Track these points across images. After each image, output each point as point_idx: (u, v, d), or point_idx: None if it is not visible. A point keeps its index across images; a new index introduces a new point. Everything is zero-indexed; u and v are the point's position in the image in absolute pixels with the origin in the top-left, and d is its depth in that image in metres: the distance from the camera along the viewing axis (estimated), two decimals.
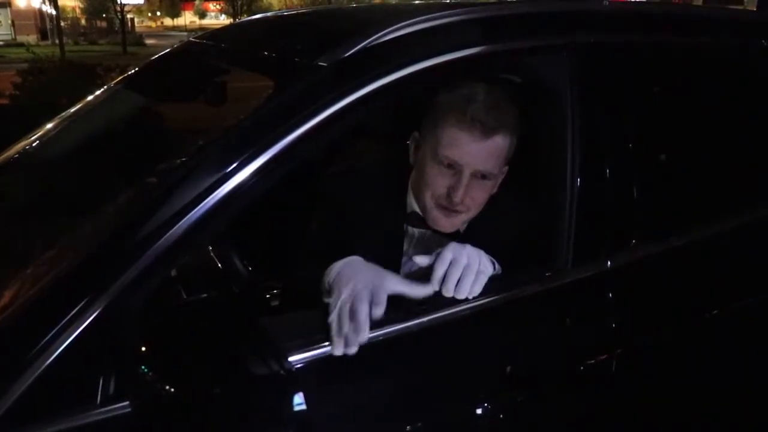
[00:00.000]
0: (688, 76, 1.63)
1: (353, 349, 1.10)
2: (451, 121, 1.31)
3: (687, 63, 1.62)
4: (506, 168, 1.40)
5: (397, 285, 1.19)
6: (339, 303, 1.13)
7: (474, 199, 1.35)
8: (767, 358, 1.67)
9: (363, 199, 1.44)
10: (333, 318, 1.12)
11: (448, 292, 1.22)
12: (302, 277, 1.33)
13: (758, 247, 1.68)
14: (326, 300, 1.18)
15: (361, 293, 1.13)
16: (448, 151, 1.31)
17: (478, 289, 1.24)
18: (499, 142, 1.32)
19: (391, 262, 1.31)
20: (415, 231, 1.44)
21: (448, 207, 1.35)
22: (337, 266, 1.22)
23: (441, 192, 1.34)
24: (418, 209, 1.43)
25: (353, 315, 1.11)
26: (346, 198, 1.45)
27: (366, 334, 1.11)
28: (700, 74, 1.65)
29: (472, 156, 1.31)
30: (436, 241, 1.40)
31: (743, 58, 1.75)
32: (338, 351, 1.11)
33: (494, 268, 1.29)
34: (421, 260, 1.28)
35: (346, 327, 1.11)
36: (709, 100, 1.68)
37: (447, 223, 1.38)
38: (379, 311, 1.13)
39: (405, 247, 1.46)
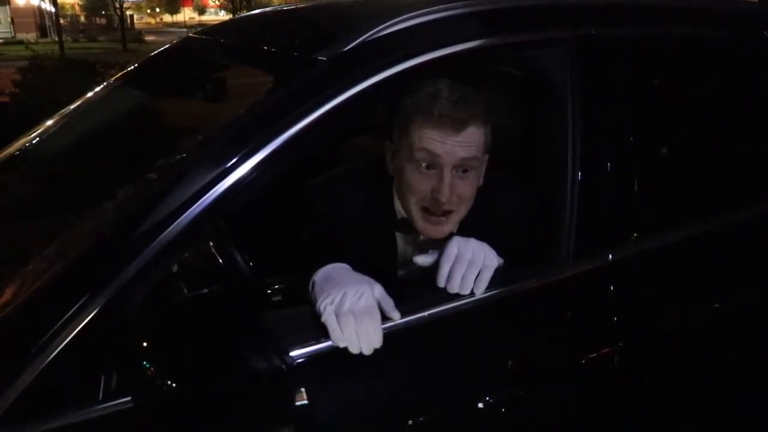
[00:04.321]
0: (689, 69, 1.62)
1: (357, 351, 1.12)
2: (420, 121, 1.28)
3: (688, 55, 1.62)
4: (486, 157, 1.36)
5: (378, 294, 1.18)
6: (334, 304, 1.13)
7: (461, 195, 1.31)
8: None
9: (350, 209, 1.41)
10: (328, 316, 1.12)
11: (453, 289, 1.22)
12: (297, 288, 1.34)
13: (759, 240, 1.68)
14: (314, 302, 1.17)
15: (357, 300, 1.13)
16: (423, 152, 1.27)
17: (483, 285, 1.24)
18: (473, 132, 1.28)
19: (386, 272, 1.29)
20: (408, 236, 1.42)
21: (435, 212, 1.30)
22: (325, 270, 1.22)
23: (425, 195, 1.30)
24: (406, 215, 1.38)
25: (362, 326, 1.11)
26: (332, 209, 1.42)
27: (379, 341, 1.12)
28: (701, 67, 1.65)
29: (449, 151, 1.27)
30: (429, 243, 1.39)
31: (745, 50, 1.74)
32: (355, 351, 1.12)
33: (499, 262, 1.28)
34: (423, 260, 1.28)
35: (350, 331, 1.11)
36: (711, 93, 1.67)
37: (437, 232, 1.34)
38: (376, 322, 1.13)
39: (399, 253, 1.45)
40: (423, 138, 1.27)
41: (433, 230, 1.33)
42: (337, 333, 1.11)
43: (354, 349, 1.11)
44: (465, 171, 1.30)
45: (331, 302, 1.13)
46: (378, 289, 1.17)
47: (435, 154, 1.27)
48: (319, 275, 1.21)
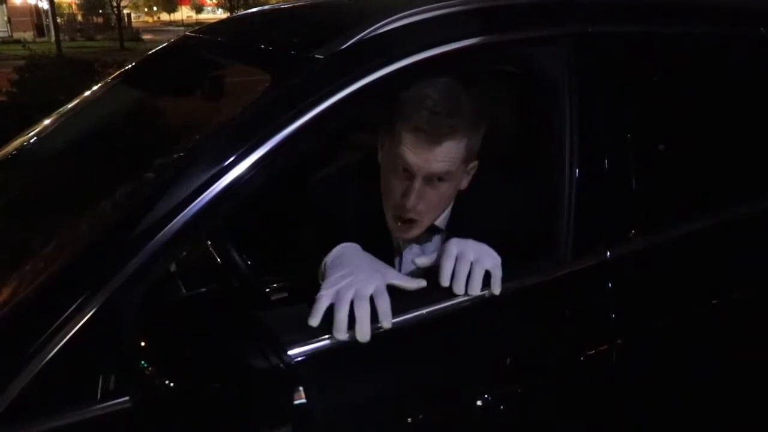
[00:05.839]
0: (687, 66, 1.62)
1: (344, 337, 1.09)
2: (400, 127, 1.27)
3: (686, 52, 1.62)
4: (475, 164, 1.36)
5: (394, 278, 1.18)
6: (338, 286, 1.11)
7: (429, 204, 1.31)
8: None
9: (346, 199, 1.42)
10: (324, 296, 1.10)
11: (460, 290, 1.21)
12: (296, 279, 1.33)
13: (758, 238, 1.68)
14: (321, 280, 1.16)
15: (364, 288, 1.11)
16: (400, 156, 1.27)
17: (498, 285, 1.22)
18: (450, 146, 1.26)
19: (381, 260, 1.30)
20: None
21: (402, 215, 1.31)
22: (337, 250, 1.21)
23: (396, 196, 1.31)
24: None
25: (359, 311, 1.09)
26: (331, 202, 1.43)
27: (369, 332, 1.10)
28: (699, 64, 1.65)
29: (420, 164, 1.26)
30: (423, 237, 1.40)
31: (743, 47, 1.74)
32: (341, 336, 1.08)
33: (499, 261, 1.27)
34: (422, 261, 1.27)
35: (343, 313, 1.08)
36: (709, 90, 1.67)
37: (405, 233, 1.36)
38: (386, 306, 1.11)
39: (394, 244, 1.45)
40: (400, 144, 1.27)
41: (399, 232, 1.36)
42: (318, 315, 1.08)
43: (339, 334, 1.08)
44: (440, 180, 1.30)
45: (335, 282, 1.11)
46: (391, 273, 1.18)
47: (408, 163, 1.27)
48: (331, 255, 1.20)
